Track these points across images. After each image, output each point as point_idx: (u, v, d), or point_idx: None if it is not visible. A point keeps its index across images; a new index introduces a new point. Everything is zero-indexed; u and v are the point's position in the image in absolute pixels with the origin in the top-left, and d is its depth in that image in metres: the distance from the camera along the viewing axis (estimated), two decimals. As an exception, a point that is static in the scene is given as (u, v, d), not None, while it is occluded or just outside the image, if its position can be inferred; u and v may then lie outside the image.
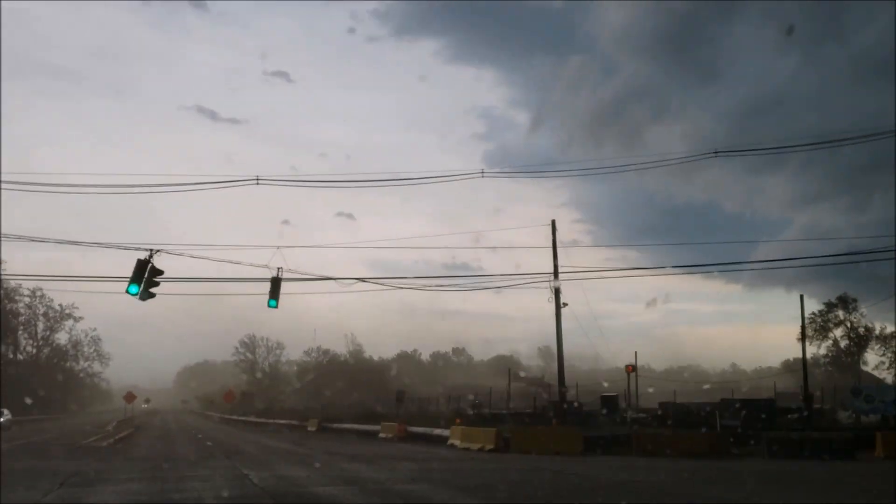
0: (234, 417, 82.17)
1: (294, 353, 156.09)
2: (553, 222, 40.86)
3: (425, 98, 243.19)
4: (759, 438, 28.36)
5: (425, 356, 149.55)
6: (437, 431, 36.78)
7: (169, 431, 56.40)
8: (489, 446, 29.50)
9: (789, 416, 38.98)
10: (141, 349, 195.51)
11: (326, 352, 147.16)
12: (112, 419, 69.00)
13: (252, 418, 74.50)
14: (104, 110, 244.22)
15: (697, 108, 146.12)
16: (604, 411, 42.91)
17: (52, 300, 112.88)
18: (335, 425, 51.72)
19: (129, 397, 70.91)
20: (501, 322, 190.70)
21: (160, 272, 23.66)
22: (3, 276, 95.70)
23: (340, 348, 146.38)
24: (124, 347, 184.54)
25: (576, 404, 43.23)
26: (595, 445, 28.56)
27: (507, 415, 47.90)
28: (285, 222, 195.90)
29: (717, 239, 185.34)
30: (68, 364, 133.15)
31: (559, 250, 39.45)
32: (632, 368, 45.22)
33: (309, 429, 54.31)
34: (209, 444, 36.44)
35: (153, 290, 23.64)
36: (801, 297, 41.24)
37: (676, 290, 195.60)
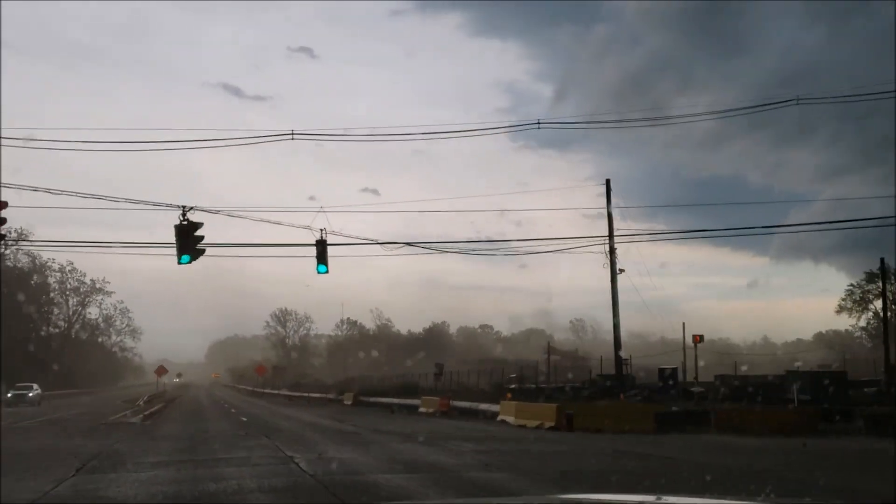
0: (267, 391, 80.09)
1: (321, 328, 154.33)
2: (608, 182, 37.59)
3: (449, 72, 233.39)
4: (851, 414, 25.04)
5: (452, 331, 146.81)
6: (484, 406, 33.87)
7: (201, 406, 54.14)
8: (548, 423, 26.43)
9: (866, 389, 35.49)
10: (172, 324, 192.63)
11: (355, 324, 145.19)
12: (144, 393, 67.21)
13: (284, 392, 72.28)
14: (129, 88, 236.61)
15: (723, 80, 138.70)
16: (663, 385, 39.52)
17: (83, 274, 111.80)
18: (372, 399, 49.03)
19: (160, 371, 68.92)
20: (530, 296, 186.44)
21: (199, 226, 20.84)
22: (33, 245, 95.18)
23: (368, 323, 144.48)
24: (156, 322, 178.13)
25: (633, 378, 40.01)
26: (668, 423, 25.35)
27: (553, 389, 44.79)
28: (311, 198, 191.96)
29: (744, 210, 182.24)
30: (100, 339, 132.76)
31: (610, 215, 36.33)
32: (700, 339, 41.84)
33: (345, 402, 51.80)
34: (244, 419, 33.85)
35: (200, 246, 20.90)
36: (882, 260, 37.01)
37: (704, 264, 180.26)
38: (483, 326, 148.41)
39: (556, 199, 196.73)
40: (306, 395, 64.21)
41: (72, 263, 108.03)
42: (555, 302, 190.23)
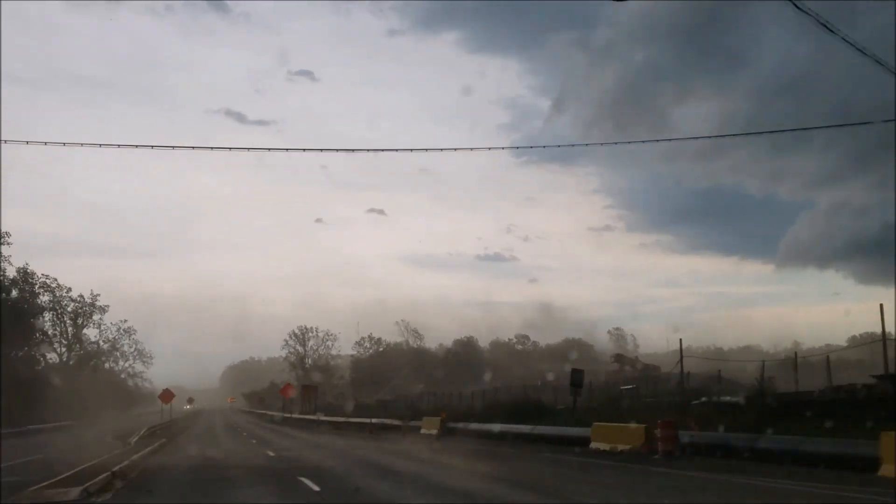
0: (296, 416, 62.63)
1: (340, 348, 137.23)
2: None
3: (450, 90, 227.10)
4: None
5: (483, 344, 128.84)
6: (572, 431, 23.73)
7: (217, 441, 36.82)
8: None
9: None
10: (184, 349, 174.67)
11: (378, 341, 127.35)
12: (146, 423, 50.67)
13: (322, 417, 54.87)
14: (134, 117, 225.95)
15: (720, 89, 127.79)
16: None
17: (80, 297, 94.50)
18: (472, 426, 31.67)
19: (166, 396, 51.87)
20: (555, 309, 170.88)
21: None
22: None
23: (393, 338, 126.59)
24: (167, 348, 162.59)
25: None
26: None
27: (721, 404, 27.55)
28: (318, 220, 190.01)
29: (746, 219, 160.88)
30: (107, 364, 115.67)
31: None
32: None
33: (426, 431, 34.17)
34: (308, 482, 16.10)
35: None
36: None
37: (712, 273, 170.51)
38: (520, 338, 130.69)
39: (562, 213, 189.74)
40: (355, 420, 46.58)
41: (56, 280, 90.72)
42: (587, 313, 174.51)
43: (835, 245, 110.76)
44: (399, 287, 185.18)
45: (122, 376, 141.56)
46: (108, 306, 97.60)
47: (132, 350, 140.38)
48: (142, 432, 38.44)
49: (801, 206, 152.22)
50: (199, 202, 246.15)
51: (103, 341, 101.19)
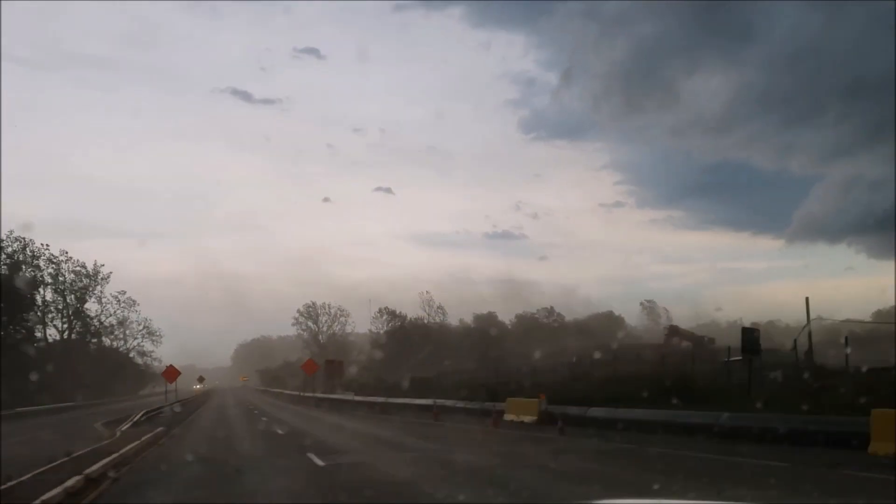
0: (325, 395, 54.09)
1: (354, 325, 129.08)
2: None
3: (456, 65, 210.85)
4: None
5: (506, 320, 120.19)
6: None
7: (232, 432, 28.21)
8: None
9: None
10: (195, 329, 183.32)
11: (395, 314, 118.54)
12: (151, 404, 45.01)
13: (355, 397, 46.34)
14: (138, 97, 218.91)
15: (730, 63, 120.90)
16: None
17: (83, 264, 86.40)
18: (557, 409, 22.79)
19: (171, 374, 43.67)
20: (578, 286, 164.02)
21: None
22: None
23: (413, 312, 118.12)
24: (178, 328, 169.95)
25: None
26: None
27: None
28: (326, 199, 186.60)
29: (758, 194, 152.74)
30: (113, 343, 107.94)
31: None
32: None
33: (513, 418, 25.31)
34: None
35: None
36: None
37: (724, 249, 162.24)
38: (544, 311, 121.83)
39: (571, 190, 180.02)
40: (400, 401, 37.82)
41: (66, 253, 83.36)
42: (612, 288, 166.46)
43: (847, 219, 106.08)
44: (409, 266, 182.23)
45: (132, 355, 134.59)
46: (110, 273, 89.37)
47: (140, 328, 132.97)
48: (141, 415, 30.39)
49: (812, 181, 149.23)
50: (206, 183, 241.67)
51: (105, 315, 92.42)
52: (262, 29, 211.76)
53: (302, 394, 61.10)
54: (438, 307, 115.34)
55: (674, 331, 71.41)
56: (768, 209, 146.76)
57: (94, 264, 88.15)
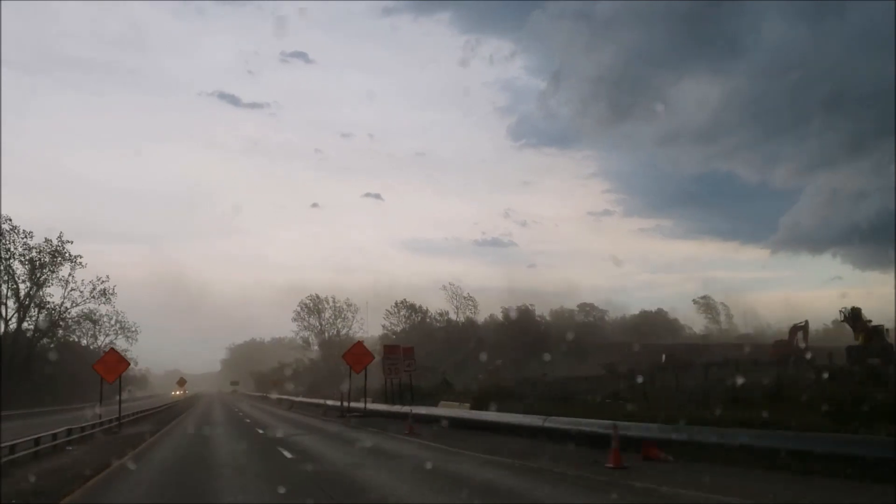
0: (383, 407, 35.92)
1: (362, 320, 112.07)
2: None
3: (445, 71, 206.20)
4: None
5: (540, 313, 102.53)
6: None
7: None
8: None
9: None
10: (182, 334, 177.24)
11: (414, 308, 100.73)
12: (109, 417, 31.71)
13: (409, 409, 28.34)
14: (126, 100, 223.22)
15: (714, 73, 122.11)
16: None
17: (46, 241, 68.10)
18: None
19: (109, 365, 25.47)
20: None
21: None
22: None
23: (437, 305, 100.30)
24: (164, 333, 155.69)
25: None
26: None
27: None
28: (314, 205, 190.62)
29: (746, 204, 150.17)
30: (82, 340, 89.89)
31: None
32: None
33: None
34: None
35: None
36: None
37: (710, 258, 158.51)
38: (584, 307, 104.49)
39: (560, 197, 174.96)
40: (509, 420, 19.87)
41: (9, 220, 65.45)
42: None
43: (833, 230, 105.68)
44: (398, 273, 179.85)
45: (103, 354, 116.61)
46: (81, 258, 71.17)
47: (113, 323, 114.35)
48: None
49: (796, 191, 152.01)
50: (191, 187, 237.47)
51: (70, 303, 73.99)
52: (249, 32, 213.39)
53: (344, 404, 38.25)
54: (467, 298, 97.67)
55: (796, 330, 54.78)
56: (754, 219, 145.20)
57: (59, 237, 69.87)
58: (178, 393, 78.24)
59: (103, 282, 73.36)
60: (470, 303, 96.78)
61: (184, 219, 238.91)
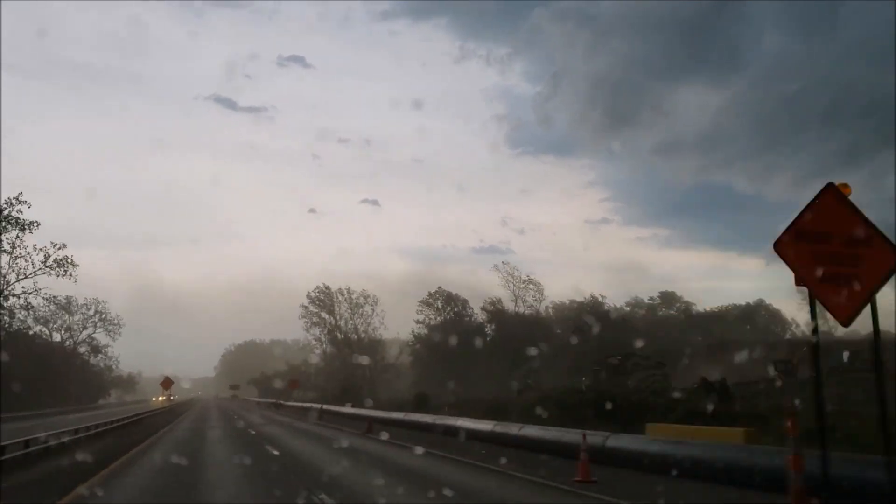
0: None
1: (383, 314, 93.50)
2: None
3: (443, 78, 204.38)
4: None
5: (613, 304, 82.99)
6: None
7: None
8: None
9: None
10: (176, 338, 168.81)
11: (454, 297, 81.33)
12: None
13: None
14: (121, 104, 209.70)
15: (712, 82, 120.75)
16: None
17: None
18: None
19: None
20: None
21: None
22: None
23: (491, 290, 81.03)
24: (161, 337, 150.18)
25: None
26: None
27: None
28: (312, 210, 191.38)
29: (735, 214, 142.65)
30: (54, 335, 70.76)
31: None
32: None
33: None
34: None
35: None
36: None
37: (708, 268, 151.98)
38: (667, 297, 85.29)
39: (558, 206, 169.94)
40: None
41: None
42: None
43: None
44: (396, 280, 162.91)
45: (81, 352, 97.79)
46: (37, 224, 51.86)
47: (91, 313, 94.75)
48: None
49: (792, 202, 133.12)
50: (187, 191, 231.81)
51: (15, 274, 54.43)
52: (247, 36, 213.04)
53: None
54: (527, 281, 78.23)
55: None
56: (754, 229, 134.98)
57: (14, 197, 50.53)
58: (160, 399, 59.30)
59: (59, 247, 53.97)
60: (532, 287, 77.39)
61: (180, 223, 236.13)
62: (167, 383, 52.04)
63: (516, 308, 75.53)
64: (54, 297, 69.46)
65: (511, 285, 77.07)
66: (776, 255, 8.44)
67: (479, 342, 56.97)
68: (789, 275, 8.43)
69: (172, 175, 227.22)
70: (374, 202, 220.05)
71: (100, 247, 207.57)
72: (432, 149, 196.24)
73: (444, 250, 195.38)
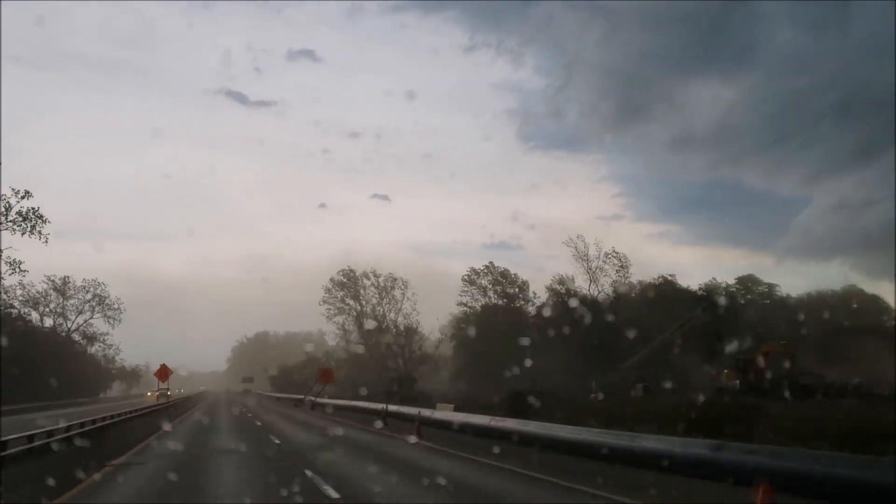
0: None
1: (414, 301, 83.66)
2: None
3: (454, 72, 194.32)
4: None
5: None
6: None
7: None
8: None
9: None
10: (186, 334, 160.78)
11: (508, 276, 69.65)
12: None
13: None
14: (132, 98, 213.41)
15: (724, 76, 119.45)
16: None
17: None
18: None
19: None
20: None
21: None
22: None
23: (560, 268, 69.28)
24: (170, 332, 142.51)
25: None
26: None
27: None
28: (322, 205, 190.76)
29: (755, 210, 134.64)
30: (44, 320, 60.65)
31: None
32: None
33: None
34: None
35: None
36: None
37: (720, 265, 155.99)
38: (745, 280, 73.13)
39: (569, 200, 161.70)
40: None
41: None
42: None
43: (840, 238, 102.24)
44: (408, 276, 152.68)
45: (76, 339, 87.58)
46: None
47: (88, 296, 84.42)
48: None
49: (805, 198, 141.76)
50: (197, 186, 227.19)
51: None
52: (256, 30, 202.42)
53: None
54: (612, 255, 66.15)
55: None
56: (766, 226, 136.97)
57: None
58: (152, 394, 47.99)
59: (22, 196, 42.83)
60: (618, 261, 65.31)
61: (188, 217, 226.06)
62: (164, 373, 40.65)
63: (590, 290, 63.69)
64: (52, 277, 59.34)
65: (585, 263, 65.12)
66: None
67: (550, 330, 45.40)
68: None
69: (180, 168, 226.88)
70: (385, 197, 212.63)
71: (108, 239, 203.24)
72: (443, 144, 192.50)
73: (455, 245, 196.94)
